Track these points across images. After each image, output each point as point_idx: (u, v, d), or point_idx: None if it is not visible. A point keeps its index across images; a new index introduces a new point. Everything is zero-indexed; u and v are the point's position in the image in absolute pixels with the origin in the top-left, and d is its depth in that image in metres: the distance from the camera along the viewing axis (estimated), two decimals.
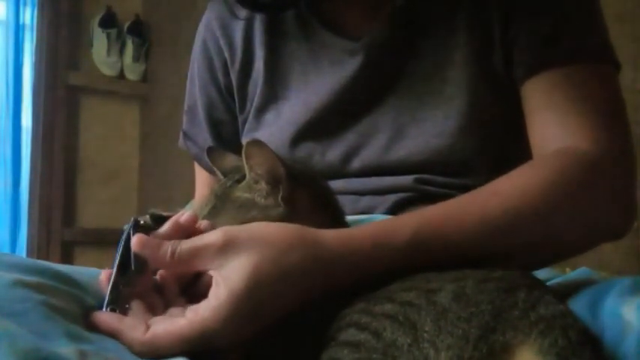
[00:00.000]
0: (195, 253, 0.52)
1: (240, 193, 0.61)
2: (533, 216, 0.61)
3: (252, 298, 0.49)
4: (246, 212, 0.60)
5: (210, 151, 0.72)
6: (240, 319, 0.49)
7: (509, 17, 0.76)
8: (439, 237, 0.57)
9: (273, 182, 0.60)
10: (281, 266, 0.51)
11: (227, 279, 0.50)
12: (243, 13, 0.85)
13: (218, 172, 0.70)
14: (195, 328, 0.49)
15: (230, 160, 0.70)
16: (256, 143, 0.60)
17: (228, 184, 0.63)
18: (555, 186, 0.63)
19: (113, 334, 0.50)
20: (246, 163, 0.60)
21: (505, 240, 0.60)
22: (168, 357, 0.49)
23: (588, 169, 0.66)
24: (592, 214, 0.65)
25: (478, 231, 0.59)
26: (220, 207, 0.62)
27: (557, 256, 0.68)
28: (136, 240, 0.53)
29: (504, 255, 0.59)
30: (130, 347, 0.49)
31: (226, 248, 0.51)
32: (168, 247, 0.52)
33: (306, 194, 0.61)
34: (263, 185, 0.60)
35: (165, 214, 0.59)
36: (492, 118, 0.76)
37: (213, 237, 0.52)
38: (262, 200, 0.60)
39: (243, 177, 0.62)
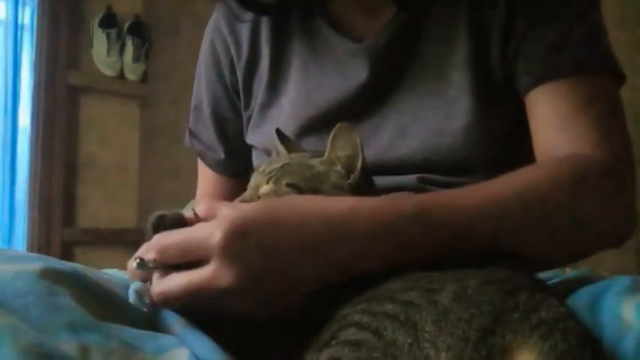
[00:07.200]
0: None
1: (318, 163, 0.65)
2: (542, 208, 0.62)
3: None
4: (318, 182, 0.63)
5: (278, 131, 0.76)
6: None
7: (513, 24, 0.76)
8: (445, 207, 0.59)
9: (348, 168, 0.64)
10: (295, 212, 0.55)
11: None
12: (248, 16, 0.87)
13: (283, 150, 0.73)
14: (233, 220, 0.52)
15: (295, 147, 0.74)
16: (348, 127, 0.64)
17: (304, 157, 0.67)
18: (564, 184, 0.64)
19: None
20: (331, 142, 0.64)
21: (513, 228, 0.60)
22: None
23: (595, 172, 0.67)
24: (599, 214, 0.66)
25: (488, 212, 0.59)
26: (294, 167, 0.64)
27: (564, 255, 0.68)
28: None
29: (509, 245, 0.60)
30: None
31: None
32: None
33: (368, 190, 0.65)
34: (339, 168, 0.64)
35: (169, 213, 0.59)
36: (492, 119, 0.77)
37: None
38: (336, 179, 0.64)
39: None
